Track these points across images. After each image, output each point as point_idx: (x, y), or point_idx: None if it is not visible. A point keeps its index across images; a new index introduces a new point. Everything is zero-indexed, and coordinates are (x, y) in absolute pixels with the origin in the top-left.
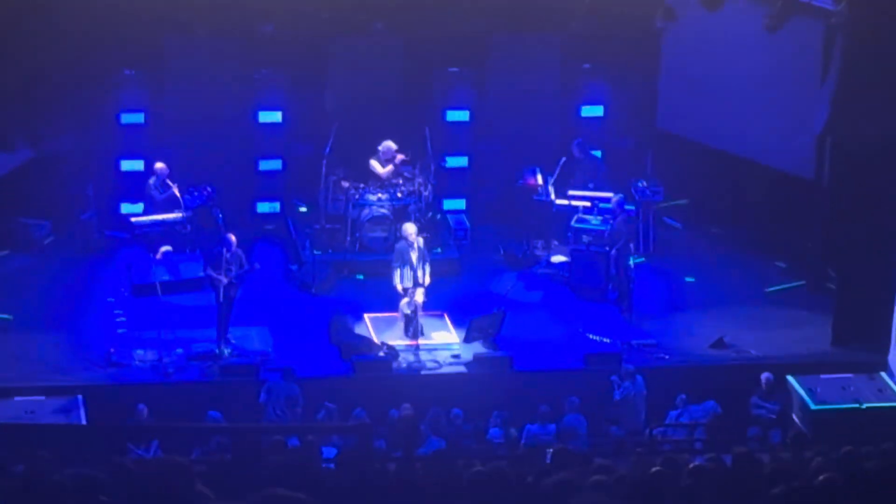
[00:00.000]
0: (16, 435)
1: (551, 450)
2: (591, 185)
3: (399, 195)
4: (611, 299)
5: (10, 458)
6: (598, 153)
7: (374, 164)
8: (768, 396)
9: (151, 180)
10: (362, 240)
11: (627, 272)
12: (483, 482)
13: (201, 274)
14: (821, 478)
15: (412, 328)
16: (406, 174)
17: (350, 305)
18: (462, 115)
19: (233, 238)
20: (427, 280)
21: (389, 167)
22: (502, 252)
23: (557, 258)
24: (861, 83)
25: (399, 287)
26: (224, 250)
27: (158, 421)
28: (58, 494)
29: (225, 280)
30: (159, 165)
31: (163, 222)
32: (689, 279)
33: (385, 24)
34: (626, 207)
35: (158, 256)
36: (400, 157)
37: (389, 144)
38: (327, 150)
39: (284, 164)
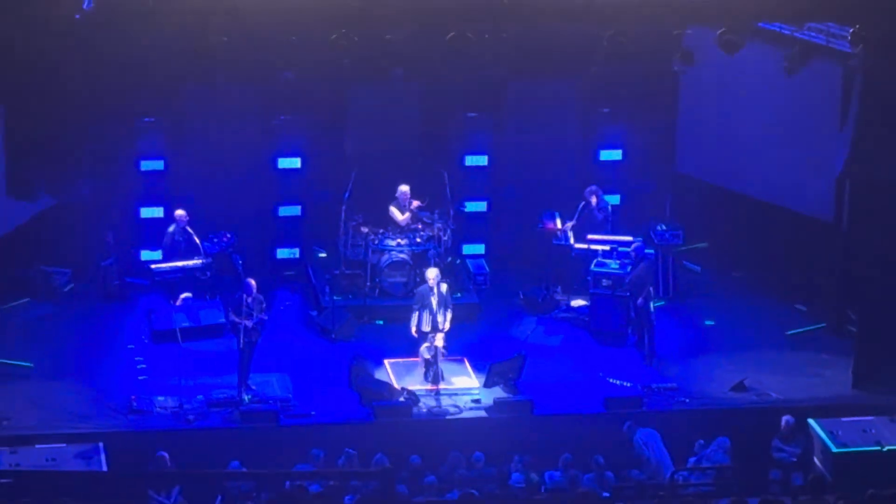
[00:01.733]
0: (38, 482)
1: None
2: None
3: (418, 240)
4: (630, 343)
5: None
6: (615, 198)
7: (394, 211)
8: (789, 439)
9: (171, 228)
10: (382, 285)
11: (649, 316)
12: None
13: (221, 320)
14: None
15: (432, 373)
16: (425, 219)
17: (370, 351)
18: (481, 160)
19: (253, 283)
20: (447, 326)
21: (407, 213)
22: (522, 296)
23: (577, 302)
24: (880, 126)
25: (413, 330)
26: (244, 295)
27: (180, 468)
28: None
29: (249, 324)
30: (180, 213)
31: (182, 269)
32: (708, 322)
33: (404, 70)
34: (646, 251)
35: (178, 303)
36: (416, 203)
37: (404, 189)
38: (346, 195)
39: (304, 210)
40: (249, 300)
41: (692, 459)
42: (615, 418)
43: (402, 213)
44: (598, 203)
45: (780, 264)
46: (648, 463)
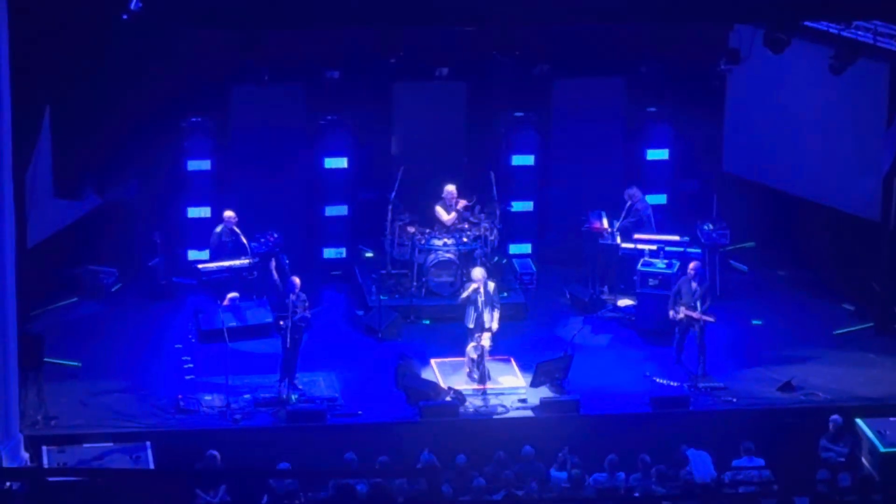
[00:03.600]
0: (86, 481)
1: None
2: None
3: (465, 240)
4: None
5: None
6: (662, 197)
7: (440, 211)
8: (837, 439)
9: (219, 228)
10: (428, 285)
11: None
12: None
13: (268, 320)
14: None
15: (479, 373)
16: (471, 219)
17: (417, 350)
18: (527, 160)
19: (297, 281)
20: (495, 325)
21: (453, 214)
22: (568, 296)
23: (624, 302)
24: None
25: (470, 324)
26: (290, 294)
27: (226, 467)
28: None
29: (288, 323)
30: (228, 214)
31: (229, 269)
32: (756, 322)
33: (450, 69)
34: (690, 251)
35: (225, 303)
36: (462, 202)
37: (450, 189)
38: (393, 195)
39: (350, 210)
40: (294, 298)
41: (738, 461)
42: (662, 418)
43: (448, 213)
44: (637, 203)
45: (827, 264)
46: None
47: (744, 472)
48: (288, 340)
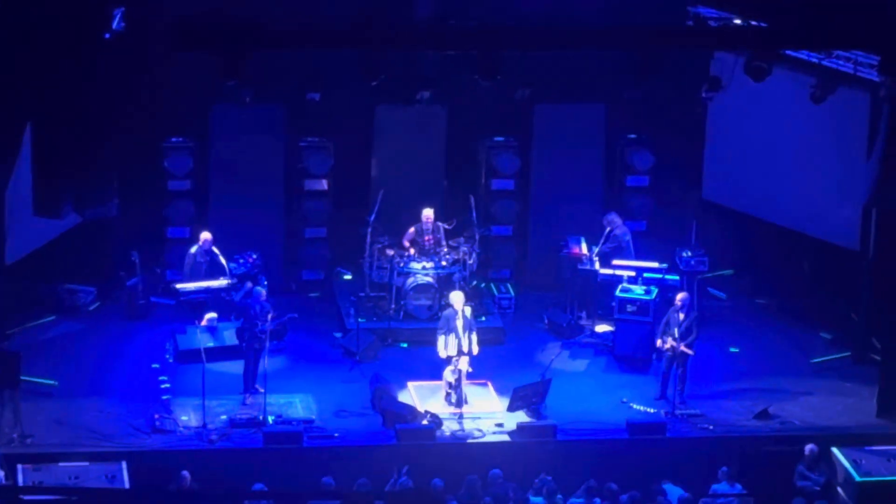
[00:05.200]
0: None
1: None
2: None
3: (444, 263)
4: (657, 371)
5: None
6: (641, 224)
7: (410, 233)
8: (813, 468)
9: (193, 249)
10: (406, 308)
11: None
12: None
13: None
14: None
15: (456, 396)
16: (451, 243)
17: (394, 373)
18: (507, 184)
19: (262, 292)
20: (476, 349)
21: (407, 243)
22: (546, 321)
23: (602, 328)
24: None
25: (443, 354)
26: (254, 303)
27: (202, 488)
28: None
29: (258, 326)
30: (205, 235)
31: (207, 290)
32: (733, 350)
33: (431, 92)
34: (669, 277)
35: (203, 323)
36: (442, 228)
37: (427, 214)
38: (372, 217)
39: (329, 232)
40: (257, 308)
41: (716, 486)
42: (639, 444)
43: (423, 237)
44: (616, 229)
45: (805, 292)
46: None
47: (719, 500)
48: (248, 348)
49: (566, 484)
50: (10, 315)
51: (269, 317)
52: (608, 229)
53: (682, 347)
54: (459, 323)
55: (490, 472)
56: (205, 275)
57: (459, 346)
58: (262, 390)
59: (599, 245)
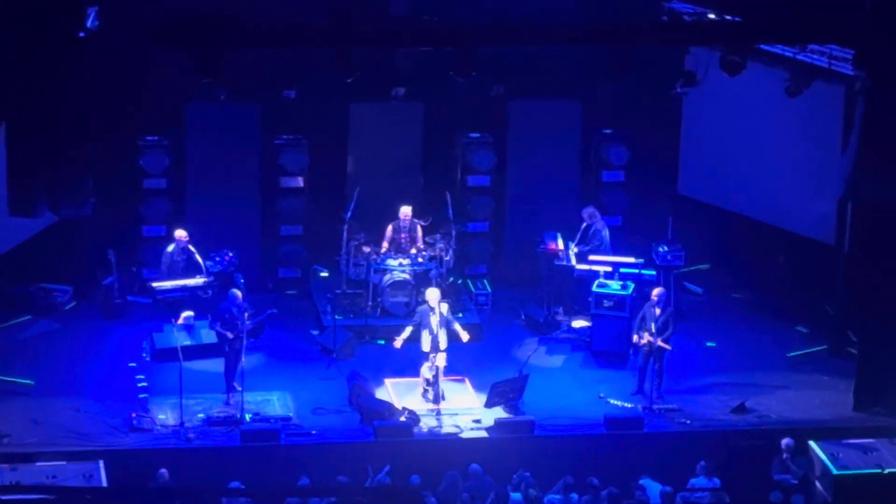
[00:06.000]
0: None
1: None
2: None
3: (420, 260)
4: (634, 366)
5: None
6: (617, 219)
7: (387, 233)
8: (790, 461)
9: (170, 248)
10: (383, 304)
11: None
12: None
13: (214, 328)
14: None
15: (433, 393)
16: (427, 239)
17: (371, 370)
18: (483, 180)
19: (238, 293)
20: (465, 336)
21: (384, 244)
22: (523, 317)
23: (579, 323)
24: (882, 149)
25: (398, 343)
26: (231, 307)
27: (179, 486)
28: None
29: (230, 336)
30: (180, 233)
31: (184, 288)
32: (710, 344)
33: (406, 89)
34: (645, 272)
35: (180, 322)
36: (419, 227)
37: (405, 211)
38: (348, 215)
39: (306, 230)
40: (235, 310)
41: (694, 480)
42: (616, 439)
43: (399, 234)
44: (596, 223)
45: (781, 286)
46: None
47: (697, 493)
48: (227, 347)
49: (544, 479)
50: None
51: (246, 315)
52: (586, 223)
53: (660, 343)
54: (434, 319)
55: (470, 466)
56: (182, 273)
57: (435, 342)
58: (240, 388)
59: (576, 240)
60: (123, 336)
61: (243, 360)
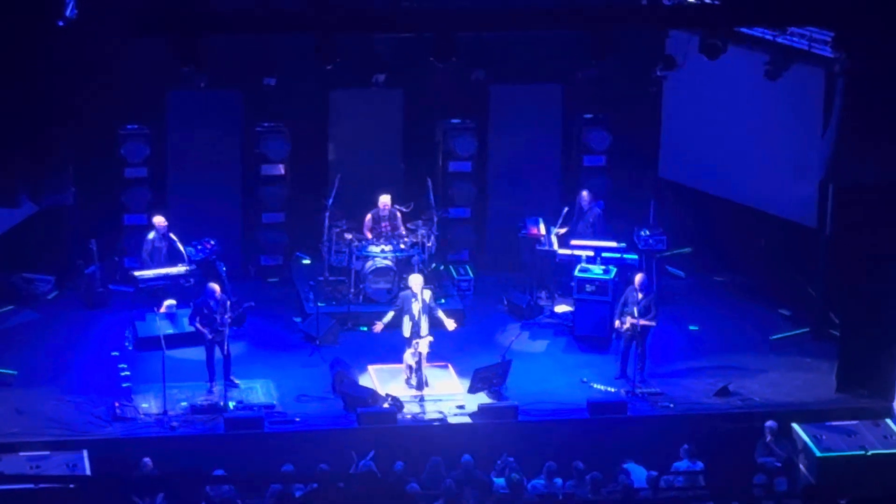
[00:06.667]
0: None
1: None
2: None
3: (402, 246)
4: (616, 350)
5: None
6: (599, 203)
7: (367, 221)
8: (773, 444)
9: (151, 235)
10: (366, 291)
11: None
12: None
13: (192, 324)
14: None
15: (416, 379)
16: (409, 226)
17: (354, 357)
18: (465, 166)
19: (216, 287)
20: (450, 324)
21: (367, 233)
22: (506, 302)
23: (561, 308)
24: (862, 130)
25: (378, 327)
26: (209, 300)
27: (163, 474)
28: None
29: (209, 335)
30: (159, 219)
31: (166, 276)
32: (692, 328)
33: (386, 75)
34: (627, 257)
35: (162, 310)
36: (399, 213)
37: (384, 200)
38: (330, 201)
39: (287, 217)
40: (213, 304)
41: (678, 464)
42: (600, 423)
43: (379, 223)
44: (595, 206)
45: (763, 269)
46: None
47: (680, 476)
48: (208, 343)
49: (528, 464)
50: None
51: (228, 315)
52: (585, 207)
53: (643, 321)
54: (416, 306)
55: (463, 457)
56: (165, 261)
57: (416, 328)
58: (238, 382)
59: (574, 222)
60: (106, 325)
61: (227, 348)
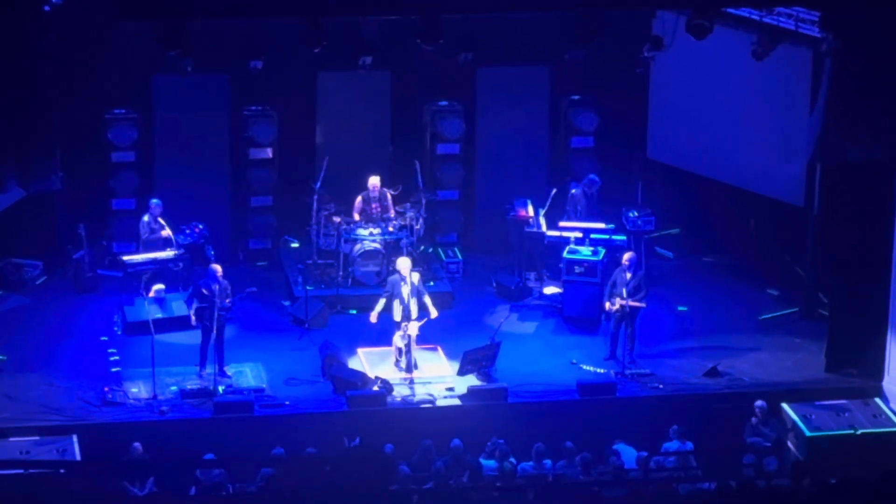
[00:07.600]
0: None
1: None
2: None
3: (391, 229)
4: (606, 331)
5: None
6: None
7: (356, 203)
8: (763, 424)
9: (146, 217)
10: (354, 274)
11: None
12: None
13: (189, 309)
14: None
15: (406, 362)
16: (397, 209)
17: (344, 340)
18: (452, 148)
19: (218, 269)
20: (434, 312)
21: (355, 215)
22: (495, 284)
23: (550, 289)
24: (850, 110)
25: (373, 318)
26: (211, 283)
27: (153, 458)
28: None
29: (207, 323)
30: (154, 202)
31: (155, 261)
32: (681, 308)
33: (374, 58)
34: (616, 238)
35: (151, 295)
36: (389, 195)
37: (374, 182)
38: (318, 185)
39: (275, 201)
40: (216, 287)
41: (667, 444)
42: (590, 405)
43: (365, 206)
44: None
45: (751, 249)
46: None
47: (670, 458)
48: (214, 330)
49: (518, 446)
50: None
51: (228, 301)
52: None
53: (632, 302)
54: (406, 289)
55: (452, 441)
56: (155, 245)
57: (406, 311)
58: (231, 374)
59: (586, 209)
60: (95, 310)
61: (222, 335)
